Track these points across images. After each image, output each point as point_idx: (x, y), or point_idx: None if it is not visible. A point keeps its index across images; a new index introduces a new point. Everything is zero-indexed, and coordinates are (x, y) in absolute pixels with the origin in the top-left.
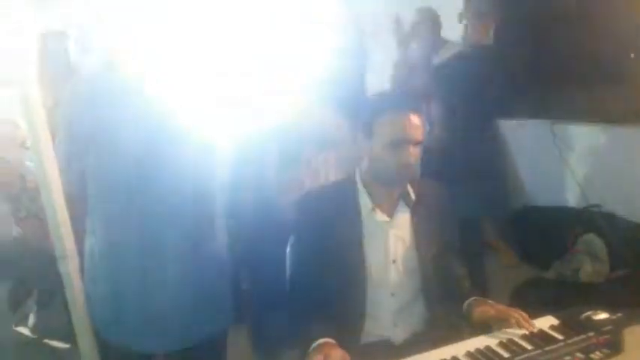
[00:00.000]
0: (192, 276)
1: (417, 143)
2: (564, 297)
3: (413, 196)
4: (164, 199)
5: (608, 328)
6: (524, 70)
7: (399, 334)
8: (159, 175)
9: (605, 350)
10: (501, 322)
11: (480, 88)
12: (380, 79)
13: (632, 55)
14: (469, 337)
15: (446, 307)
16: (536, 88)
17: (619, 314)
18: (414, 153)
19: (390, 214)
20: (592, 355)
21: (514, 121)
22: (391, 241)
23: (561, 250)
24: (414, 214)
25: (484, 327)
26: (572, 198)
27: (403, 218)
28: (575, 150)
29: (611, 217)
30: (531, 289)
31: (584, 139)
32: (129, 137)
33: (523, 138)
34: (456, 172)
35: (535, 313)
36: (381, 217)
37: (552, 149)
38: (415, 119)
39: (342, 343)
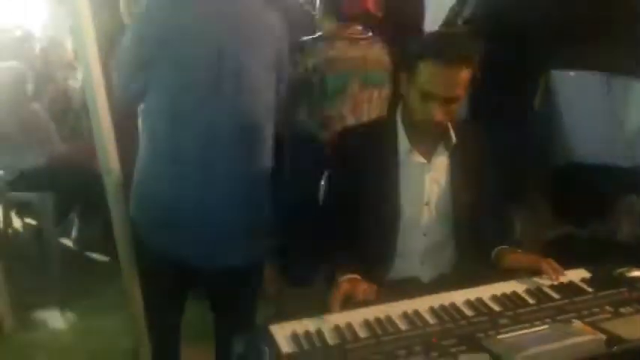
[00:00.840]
0: (245, 194)
1: (450, 101)
2: (598, 255)
3: (454, 139)
4: (230, 107)
5: None
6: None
7: (426, 272)
8: (227, 80)
9: (636, 305)
10: (532, 271)
11: (533, 32)
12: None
13: None
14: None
15: (476, 253)
16: (593, 39)
17: None
18: (445, 110)
19: (428, 157)
20: (622, 310)
21: (566, 72)
22: (427, 184)
23: (601, 208)
24: (452, 158)
25: (513, 275)
26: (619, 157)
27: (441, 162)
28: (630, 107)
29: None
30: (565, 244)
31: None
32: (201, 40)
33: (574, 90)
34: (501, 121)
35: (567, 268)
36: (418, 158)
37: (605, 104)
38: (456, 73)
39: (371, 279)
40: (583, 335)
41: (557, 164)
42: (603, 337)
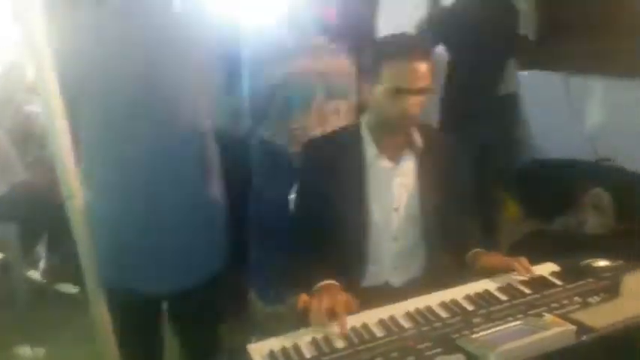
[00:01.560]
0: (190, 216)
1: (420, 92)
2: (567, 249)
3: (420, 143)
4: (162, 136)
5: (608, 274)
6: (540, 20)
7: (398, 277)
8: (156, 109)
9: (603, 294)
10: (506, 272)
11: (492, 35)
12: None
13: None
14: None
15: (448, 255)
16: (551, 39)
17: (619, 261)
18: (416, 102)
19: (395, 162)
20: (590, 300)
21: (526, 73)
22: (395, 189)
23: (568, 203)
24: (419, 162)
25: (486, 276)
26: (582, 152)
27: (408, 166)
28: (589, 103)
29: (620, 172)
30: (534, 240)
31: (599, 92)
32: (123, 72)
33: (535, 90)
34: (465, 122)
35: (537, 263)
36: (385, 163)
37: (565, 102)
38: (420, 66)
39: (345, 288)
40: (554, 327)
41: (522, 162)
42: (574, 327)
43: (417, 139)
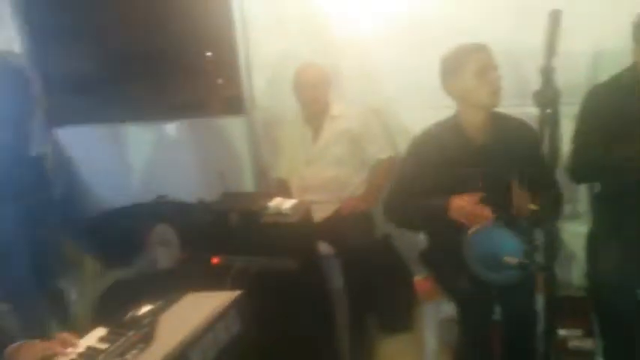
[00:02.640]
0: None
1: None
2: (146, 291)
3: None
4: None
5: (147, 320)
6: (81, 73)
7: None
8: None
9: (140, 345)
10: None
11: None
12: None
13: (194, 50)
14: None
15: None
16: (98, 91)
17: (159, 302)
18: None
19: None
20: (127, 356)
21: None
22: None
23: (140, 245)
24: None
25: None
26: (140, 193)
27: None
28: (135, 148)
29: (179, 205)
30: (117, 291)
31: (148, 135)
32: None
33: (79, 144)
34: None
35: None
36: None
37: (112, 151)
38: None
39: None
40: None
41: (90, 217)
42: None
43: None
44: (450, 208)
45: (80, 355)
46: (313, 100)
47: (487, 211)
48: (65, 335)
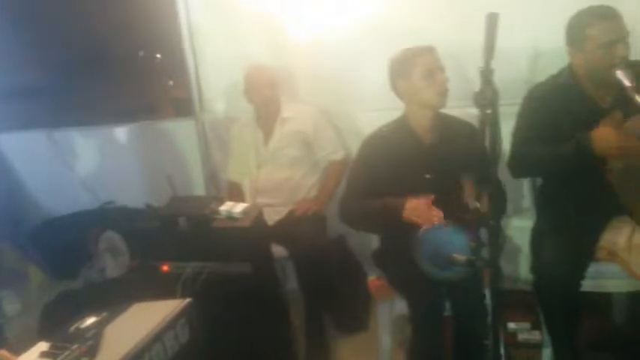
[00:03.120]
0: None
1: None
2: (94, 301)
3: None
4: None
5: (92, 332)
6: (23, 78)
7: None
8: None
9: (84, 359)
10: None
11: None
12: None
13: (141, 54)
14: None
15: None
16: (41, 96)
17: (105, 313)
18: None
19: None
20: None
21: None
22: None
23: (86, 254)
24: None
25: None
26: (86, 200)
27: None
28: (77, 153)
29: (126, 211)
30: (63, 302)
31: (84, 140)
32: None
33: (20, 151)
34: None
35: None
36: None
37: (55, 158)
38: None
39: None
40: None
41: (33, 227)
42: None
43: None
44: (404, 209)
45: None
46: (265, 100)
47: (439, 212)
48: (1, 353)
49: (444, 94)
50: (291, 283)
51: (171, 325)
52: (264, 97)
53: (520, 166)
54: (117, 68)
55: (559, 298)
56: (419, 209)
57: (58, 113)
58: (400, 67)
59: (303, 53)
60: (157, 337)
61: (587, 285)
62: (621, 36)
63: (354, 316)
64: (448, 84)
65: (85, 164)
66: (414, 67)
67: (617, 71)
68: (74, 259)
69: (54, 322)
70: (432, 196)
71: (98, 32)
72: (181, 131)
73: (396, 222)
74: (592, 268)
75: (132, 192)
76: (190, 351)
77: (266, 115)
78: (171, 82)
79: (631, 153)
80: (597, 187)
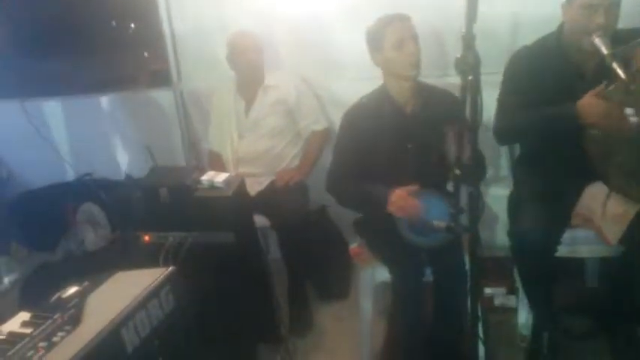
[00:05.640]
0: None
1: None
2: (74, 274)
3: None
4: None
5: (74, 302)
6: None
7: None
8: None
9: (67, 328)
10: None
11: None
12: None
13: (114, 24)
14: None
15: None
16: (16, 66)
17: (86, 283)
18: None
19: None
20: (54, 339)
21: None
22: None
23: (65, 226)
24: None
25: None
26: (62, 172)
27: None
28: (52, 125)
29: (105, 183)
30: (43, 275)
31: (59, 112)
32: None
33: (2, 120)
34: None
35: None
36: None
37: (28, 128)
38: None
39: None
40: None
41: (9, 200)
42: None
43: None
44: (387, 203)
45: (0, 342)
46: (251, 65)
47: (418, 204)
48: None
49: (415, 64)
50: (274, 252)
51: (155, 292)
52: (249, 62)
53: (505, 133)
54: (88, 39)
55: (535, 263)
56: (400, 203)
57: (30, 83)
58: (374, 36)
59: (284, 21)
60: (141, 305)
61: (563, 251)
62: (606, 3)
63: (335, 283)
64: (421, 54)
65: (63, 135)
66: (384, 38)
67: (595, 39)
68: (52, 232)
69: (34, 294)
70: (416, 187)
71: (76, 2)
72: (160, 101)
73: (380, 212)
74: (567, 234)
75: (111, 163)
76: (175, 319)
77: (248, 82)
78: (146, 54)
79: (613, 123)
80: (574, 154)
